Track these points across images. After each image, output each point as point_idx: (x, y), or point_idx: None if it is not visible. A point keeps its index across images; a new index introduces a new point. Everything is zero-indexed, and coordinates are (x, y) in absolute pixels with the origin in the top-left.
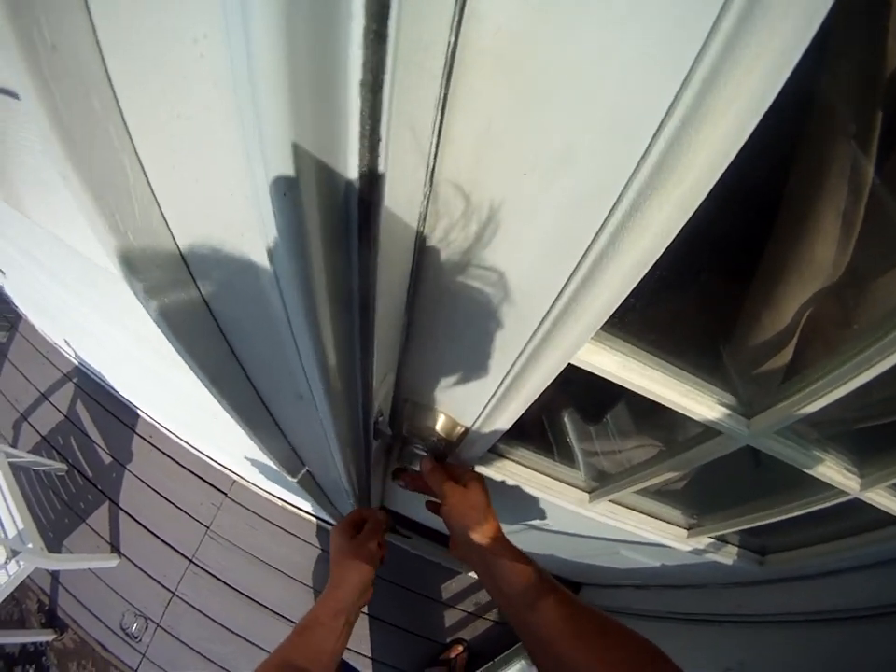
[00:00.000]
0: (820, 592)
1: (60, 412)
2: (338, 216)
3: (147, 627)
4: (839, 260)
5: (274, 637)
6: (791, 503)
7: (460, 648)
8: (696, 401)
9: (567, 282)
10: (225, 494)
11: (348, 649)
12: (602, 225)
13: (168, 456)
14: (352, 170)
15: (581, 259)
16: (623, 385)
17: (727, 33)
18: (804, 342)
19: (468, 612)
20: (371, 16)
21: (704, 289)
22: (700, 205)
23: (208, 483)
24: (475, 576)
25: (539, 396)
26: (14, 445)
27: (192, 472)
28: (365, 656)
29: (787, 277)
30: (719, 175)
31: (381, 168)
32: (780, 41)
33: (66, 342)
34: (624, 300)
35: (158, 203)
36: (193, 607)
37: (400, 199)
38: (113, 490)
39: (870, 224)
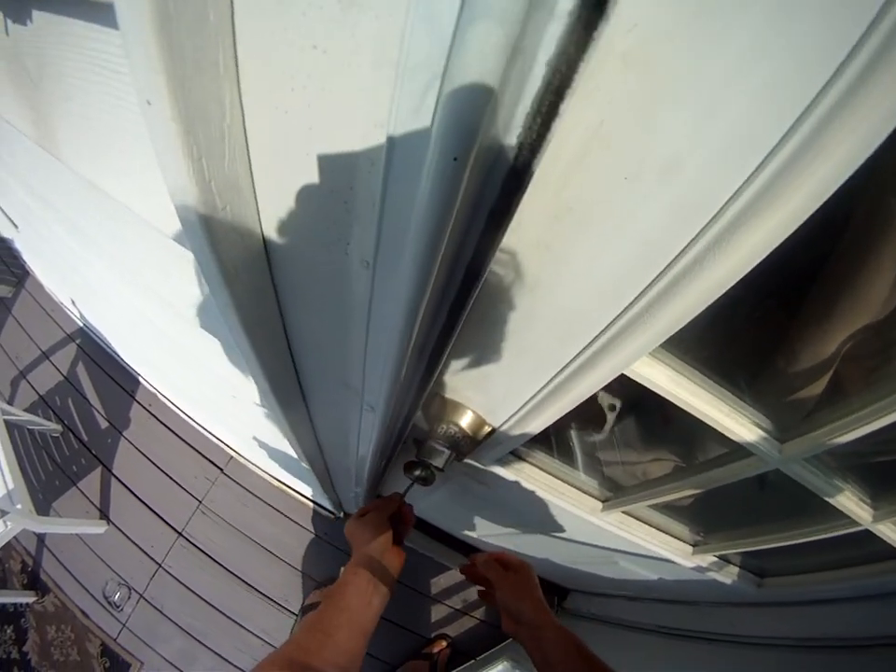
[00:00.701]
0: (814, 619)
1: (60, 372)
2: (479, 187)
3: (129, 597)
4: (890, 300)
5: (257, 617)
6: (801, 528)
7: (444, 643)
8: (736, 422)
9: (644, 291)
10: (221, 469)
11: None
12: (693, 240)
13: (166, 427)
14: (513, 134)
15: (664, 270)
16: (670, 400)
17: (855, 72)
18: (842, 373)
19: (454, 609)
20: None
21: (757, 313)
22: None
23: (204, 456)
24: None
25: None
26: (10, 402)
27: (189, 445)
28: None
29: (839, 310)
30: (817, 206)
31: (548, 135)
32: None
33: (73, 301)
34: None
35: (249, 153)
36: (178, 580)
37: None
38: (107, 456)
39: None
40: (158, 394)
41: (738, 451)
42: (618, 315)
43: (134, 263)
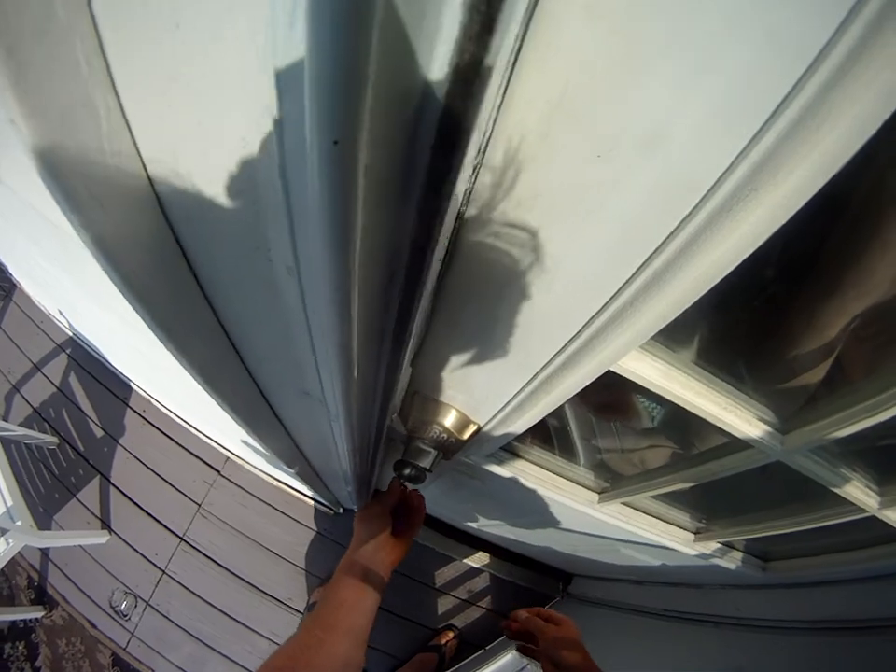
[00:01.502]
0: (823, 600)
1: (52, 384)
2: (399, 156)
3: (136, 605)
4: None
5: (264, 618)
6: (804, 515)
7: (451, 634)
8: (735, 415)
9: (628, 282)
10: (218, 471)
11: None
12: (680, 224)
13: (161, 432)
14: (438, 69)
15: (648, 259)
16: (661, 395)
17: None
18: (846, 359)
19: (460, 599)
20: None
21: (754, 300)
22: None
23: (201, 459)
24: (469, 563)
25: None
26: (5, 418)
27: (185, 449)
28: None
29: (841, 292)
30: (825, 180)
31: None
32: None
33: (60, 312)
34: None
35: (146, 168)
36: (183, 585)
37: None
38: (104, 465)
39: None
40: (151, 399)
41: (737, 442)
42: (599, 311)
43: (87, 280)
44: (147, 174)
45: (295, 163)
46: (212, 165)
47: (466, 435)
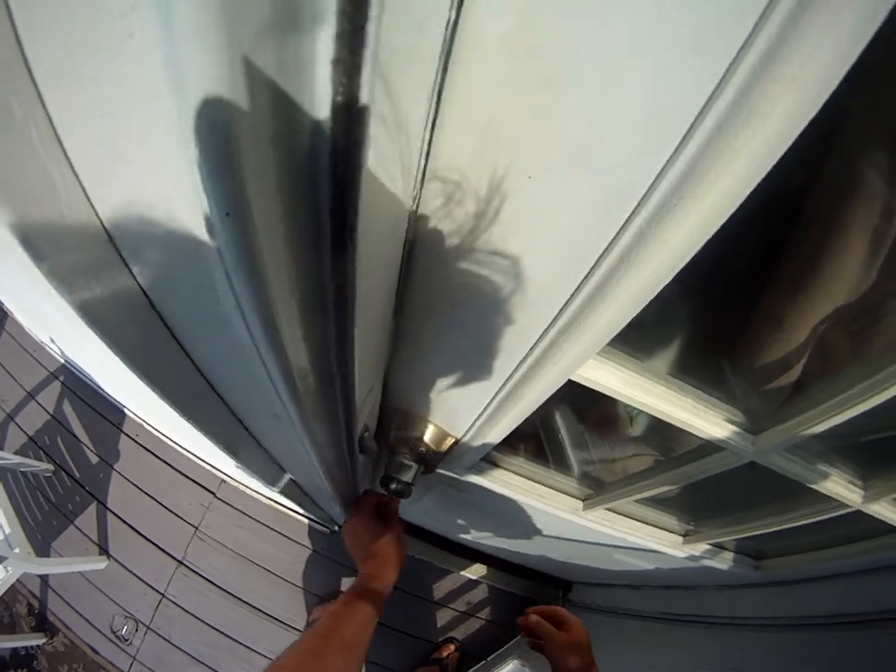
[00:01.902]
0: (817, 597)
1: (47, 411)
2: (305, 212)
3: (137, 630)
4: (862, 279)
5: (264, 638)
6: (790, 513)
7: (452, 647)
8: (701, 418)
9: (574, 294)
10: (213, 494)
11: None
12: (617, 235)
13: (156, 456)
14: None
15: (592, 269)
16: (626, 402)
17: (780, 21)
18: (815, 359)
19: (459, 611)
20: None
21: (713, 303)
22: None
23: (196, 482)
24: (467, 575)
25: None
26: (1, 447)
27: (180, 472)
28: None
29: (807, 292)
30: (752, 185)
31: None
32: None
33: (52, 340)
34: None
35: (101, 220)
36: (183, 608)
37: (383, 193)
38: (101, 491)
39: None
40: (144, 424)
41: (710, 445)
42: (551, 323)
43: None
44: (105, 228)
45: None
46: (156, 218)
47: (444, 447)
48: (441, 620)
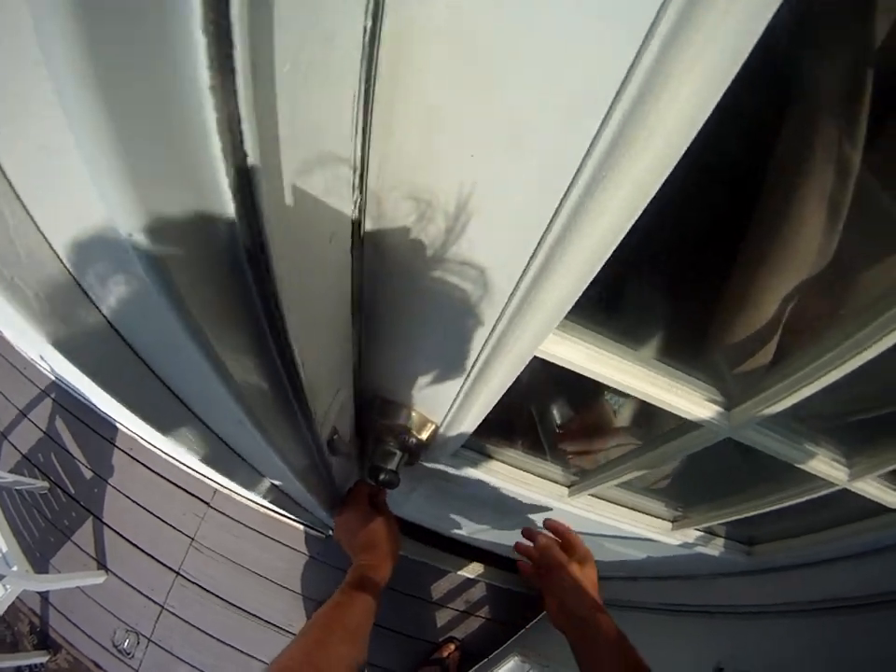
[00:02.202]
0: (813, 581)
1: (39, 429)
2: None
3: (138, 643)
4: (825, 248)
5: (265, 645)
6: (777, 494)
7: (452, 646)
8: (673, 393)
9: (525, 270)
10: (208, 504)
11: None
12: (558, 207)
13: (149, 469)
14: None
15: (538, 244)
16: (594, 378)
17: None
18: (788, 332)
19: (459, 611)
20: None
21: (680, 278)
22: (676, 189)
23: (190, 493)
24: (465, 574)
25: (512, 391)
26: None
27: (174, 483)
28: None
29: (769, 265)
30: (681, 151)
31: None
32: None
33: (41, 357)
34: (593, 288)
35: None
36: (183, 619)
37: (315, 209)
38: (96, 506)
39: (857, 211)
40: (137, 437)
41: (687, 424)
42: (507, 301)
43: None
44: (59, 257)
45: None
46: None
47: (426, 434)
48: (441, 620)
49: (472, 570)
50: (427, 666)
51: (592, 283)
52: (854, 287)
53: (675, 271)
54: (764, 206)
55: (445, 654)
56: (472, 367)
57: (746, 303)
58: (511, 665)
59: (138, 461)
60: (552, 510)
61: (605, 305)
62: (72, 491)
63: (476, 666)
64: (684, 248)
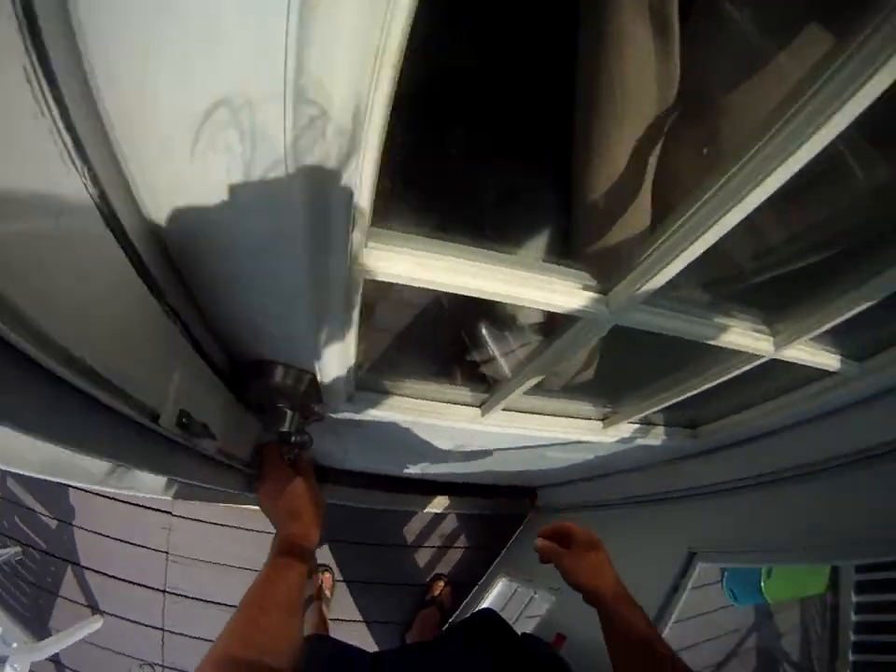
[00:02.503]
0: (766, 453)
1: None
2: None
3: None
4: (664, 76)
5: None
6: (703, 374)
7: (441, 583)
8: (532, 287)
9: None
10: (170, 513)
11: (339, 620)
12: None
13: (106, 497)
14: None
15: None
16: (436, 288)
17: None
18: (660, 198)
19: (436, 547)
20: None
21: (510, 147)
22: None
23: (151, 508)
24: (432, 510)
25: (391, 321)
26: None
27: (132, 504)
28: (354, 621)
29: (601, 107)
30: None
31: None
32: None
33: None
34: (410, 188)
35: None
36: (186, 635)
37: None
38: (71, 553)
39: (700, 26)
40: None
41: (570, 318)
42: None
43: None
44: None
45: None
46: None
47: (304, 386)
48: (422, 560)
49: (439, 504)
50: (425, 608)
51: (406, 182)
52: (720, 125)
53: (497, 139)
54: (585, 33)
55: (437, 592)
56: (306, 299)
57: (594, 162)
58: (499, 588)
59: (91, 492)
60: (473, 432)
61: (430, 205)
62: (44, 546)
63: (469, 595)
64: (504, 105)
